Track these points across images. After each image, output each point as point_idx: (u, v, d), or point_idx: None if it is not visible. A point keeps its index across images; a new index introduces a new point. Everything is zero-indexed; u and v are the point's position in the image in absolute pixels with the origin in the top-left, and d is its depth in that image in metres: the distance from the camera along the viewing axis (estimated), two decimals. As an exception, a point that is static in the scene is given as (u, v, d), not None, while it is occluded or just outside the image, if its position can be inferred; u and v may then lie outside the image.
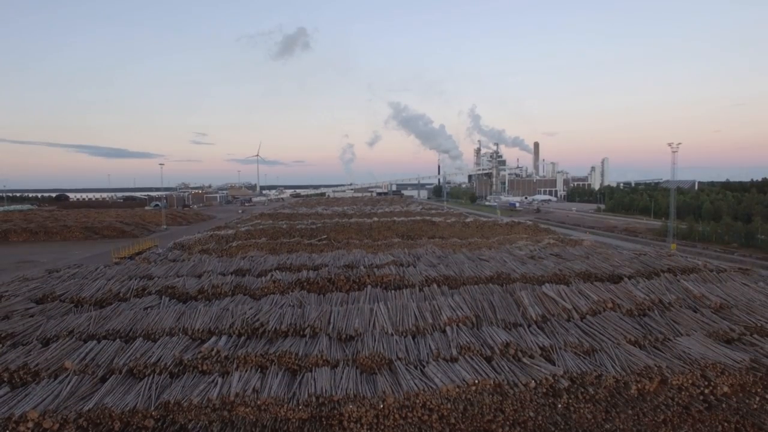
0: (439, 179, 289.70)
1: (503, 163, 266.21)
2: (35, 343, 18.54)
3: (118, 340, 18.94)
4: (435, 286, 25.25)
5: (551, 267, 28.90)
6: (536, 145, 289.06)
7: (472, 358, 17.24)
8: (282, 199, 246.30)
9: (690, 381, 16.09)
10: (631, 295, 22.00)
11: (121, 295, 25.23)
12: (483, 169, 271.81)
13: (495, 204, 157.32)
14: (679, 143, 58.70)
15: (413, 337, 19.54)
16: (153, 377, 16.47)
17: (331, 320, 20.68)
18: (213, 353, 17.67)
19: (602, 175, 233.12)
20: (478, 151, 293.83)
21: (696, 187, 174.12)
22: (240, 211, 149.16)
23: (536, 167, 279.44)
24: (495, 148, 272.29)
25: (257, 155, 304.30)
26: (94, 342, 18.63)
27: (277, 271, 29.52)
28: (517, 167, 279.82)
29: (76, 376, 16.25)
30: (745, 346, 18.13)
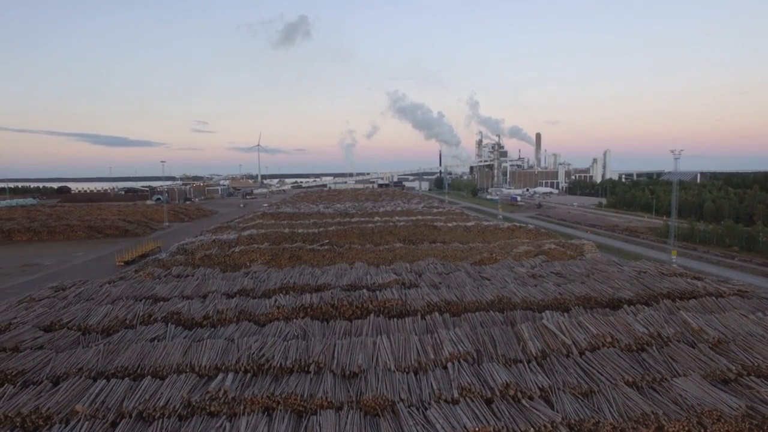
0: (440, 171, 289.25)
1: (504, 154, 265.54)
2: (46, 383, 18.93)
3: (126, 378, 19.32)
4: (437, 314, 25.58)
5: (552, 290, 29.19)
6: (538, 136, 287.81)
7: (472, 400, 17.64)
8: (284, 190, 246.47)
9: (686, 428, 16.48)
10: (629, 329, 22.31)
11: (127, 322, 25.61)
12: (484, 161, 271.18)
13: (496, 198, 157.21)
14: (681, 150, 58.63)
15: (415, 374, 19.94)
16: (162, 421, 16.88)
17: (335, 355, 21.07)
18: (220, 394, 18.11)
19: (604, 167, 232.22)
20: (479, 142, 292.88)
21: (698, 180, 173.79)
22: (242, 205, 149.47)
23: (538, 159, 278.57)
24: (497, 139, 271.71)
25: (258, 144, 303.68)
26: (104, 381, 19.02)
27: (280, 294, 29.87)
28: (519, 159, 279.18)
29: (87, 422, 16.66)
30: (742, 388, 18.46)
